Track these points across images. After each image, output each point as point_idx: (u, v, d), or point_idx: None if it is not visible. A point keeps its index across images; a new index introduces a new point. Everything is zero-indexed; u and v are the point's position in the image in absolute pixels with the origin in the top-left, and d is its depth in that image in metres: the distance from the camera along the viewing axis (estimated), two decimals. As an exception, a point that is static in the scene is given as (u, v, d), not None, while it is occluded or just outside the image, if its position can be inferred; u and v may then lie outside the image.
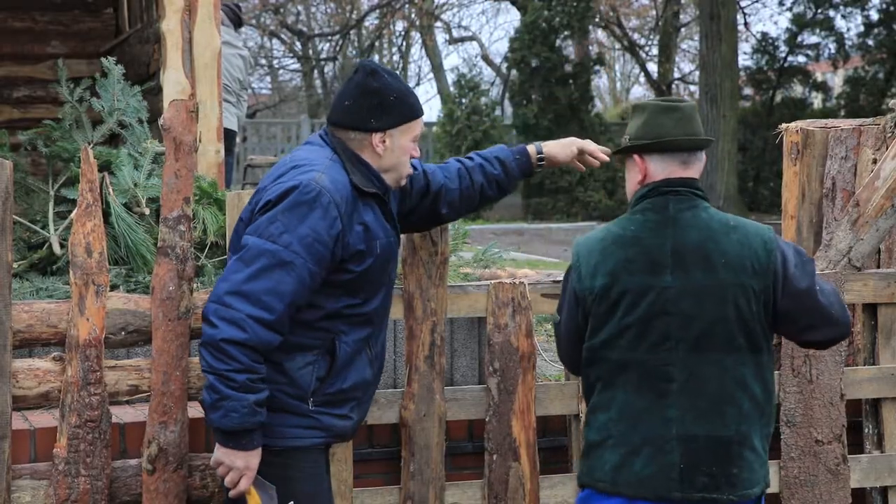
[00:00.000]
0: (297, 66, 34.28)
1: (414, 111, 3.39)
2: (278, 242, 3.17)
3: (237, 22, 9.27)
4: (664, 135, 3.19)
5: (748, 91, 26.27)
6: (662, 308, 3.11)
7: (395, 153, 3.39)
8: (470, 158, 3.76)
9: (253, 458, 3.22)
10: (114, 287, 4.22)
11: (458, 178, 3.70)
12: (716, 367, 3.11)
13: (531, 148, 3.79)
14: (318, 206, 3.19)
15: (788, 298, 3.16)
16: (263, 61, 34.38)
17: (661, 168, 3.21)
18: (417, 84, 34.58)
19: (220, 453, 3.23)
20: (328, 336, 3.32)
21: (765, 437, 3.20)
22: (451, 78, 28.09)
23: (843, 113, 23.88)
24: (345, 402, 3.38)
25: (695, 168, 3.23)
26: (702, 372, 3.11)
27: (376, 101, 3.33)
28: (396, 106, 3.36)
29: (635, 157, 3.24)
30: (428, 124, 26.56)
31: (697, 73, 26.33)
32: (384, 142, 3.36)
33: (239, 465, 3.21)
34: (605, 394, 3.18)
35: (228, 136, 7.55)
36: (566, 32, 23.41)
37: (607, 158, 3.79)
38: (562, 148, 3.81)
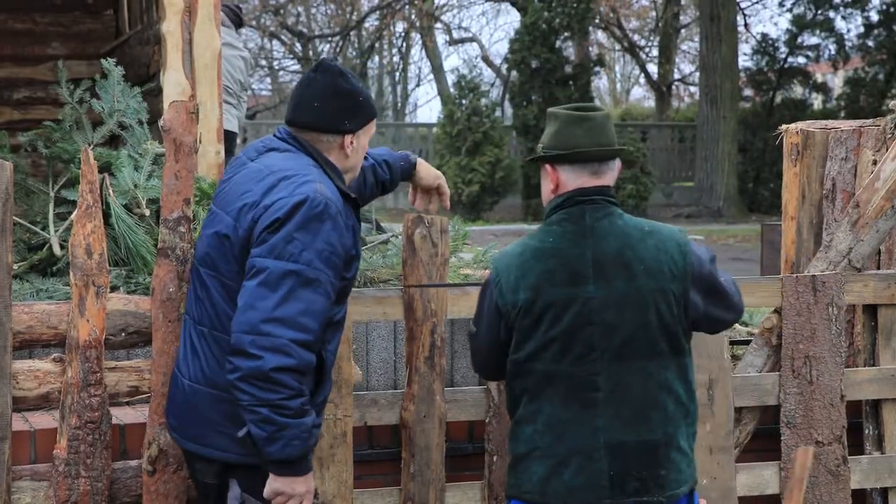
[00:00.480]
0: (297, 67, 34.30)
1: (374, 111, 3.39)
2: (300, 261, 3.07)
3: (238, 23, 9.25)
4: (574, 146, 3.19)
5: (748, 92, 26.30)
6: (587, 319, 3.12)
7: (359, 153, 3.37)
8: (364, 158, 3.68)
9: (310, 481, 3.15)
10: (114, 288, 4.22)
11: (362, 175, 3.66)
12: (640, 374, 3.13)
13: (412, 157, 3.87)
14: (327, 217, 3.12)
15: (707, 296, 3.20)
16: (264, 62, 34.43)
17: (572, 178, 3.21)
18: (418, 85, 34.61)
19: (278, 484, 3.11)
20: (320, 347, 3.23)
21: (690, 435, 3.22)
22: (451, 79, 28.14)
23: (843, 114, 23.92)
24: (323, 410, 3.35)
25: (608, 177, 3.24)
26: (626, 380, 3.13)
27: (349, 102, 3.29)
28: (365, 107, 3.33)
29: (547, 166, 3.24)
30: (428, 125, 26.62)
31: (697, 74, 26.37)
32: (352, 143, 3.33)
33: (300, 490, 3.13)
34: (531, 406, 3.19)
35: (229, 137, 7.52)
36: (566, 34, 23.43)
37: (445, 206, 3.92)
38: (429, 175, 3.87)
